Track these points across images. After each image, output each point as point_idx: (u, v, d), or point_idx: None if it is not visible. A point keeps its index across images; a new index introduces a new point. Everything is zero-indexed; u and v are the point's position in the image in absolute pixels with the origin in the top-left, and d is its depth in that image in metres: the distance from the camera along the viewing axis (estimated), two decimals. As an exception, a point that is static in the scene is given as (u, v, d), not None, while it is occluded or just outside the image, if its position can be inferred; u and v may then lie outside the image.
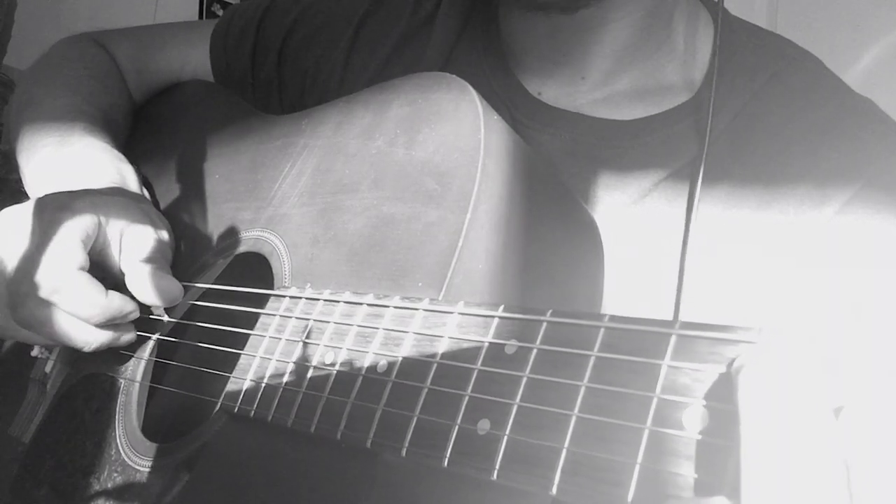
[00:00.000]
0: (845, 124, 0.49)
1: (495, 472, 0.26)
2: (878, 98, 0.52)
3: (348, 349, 0.35)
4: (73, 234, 0.47)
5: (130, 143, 0.70)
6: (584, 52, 0.54)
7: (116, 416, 0.49)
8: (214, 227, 0.54)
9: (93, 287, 0.47)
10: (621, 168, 0.51)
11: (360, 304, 0.36)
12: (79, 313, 0.47)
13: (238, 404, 0.39)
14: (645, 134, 0.52)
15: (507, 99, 0.57)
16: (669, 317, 0.47)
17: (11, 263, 0.47)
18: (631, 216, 0.50)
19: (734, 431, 0.21)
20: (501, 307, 0.30)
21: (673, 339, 0.24)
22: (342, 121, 0.48)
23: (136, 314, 0.50)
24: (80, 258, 0.47)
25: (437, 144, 0.40)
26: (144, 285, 0.49)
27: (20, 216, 0.48)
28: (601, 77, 0.55)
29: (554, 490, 0.24)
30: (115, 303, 0.48)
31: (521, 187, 0.39)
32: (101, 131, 0.63)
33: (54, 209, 0.48)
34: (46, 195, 0.50)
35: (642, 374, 0.24)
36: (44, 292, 0.46)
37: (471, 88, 0.41)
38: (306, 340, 0.38)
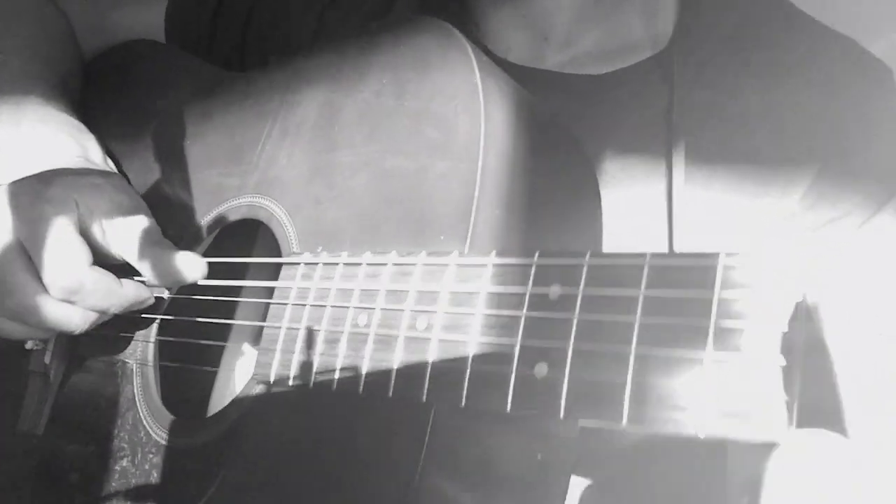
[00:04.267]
0: (820, 66, 0.51)
1: (562, 412, 0.28)
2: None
3: (382, 309, 0.36)
4: (68, 229, 0.46)
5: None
6: (542, 9, 0.55)
7: (137, 399, 0.49)
8: (198, 197, 0.53)
9: (108, 279, 0.46)
10: (592, 122, 0.52)
11: (384, 264, 0.37)
12: (100, 307, 0.46)
13: (273, 374, 0.40)
14: (613, 87, 0.53)
15: None
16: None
17: None
18: (607, 171, 0.52)
19: (804, 352, 0.22)
20: (537, 253, 0.31)
21: (720, 270, 0.26)
22: (320, 74, 0.47)
23: (152, 300, 0.49)
24: (87, 253, 0.46)
25: (431, 92, 0.40)
26: (165, 268, 0.46)
27: None
28: (563, 36, 0.56)
29: (625, 421, 0.26)
30: (130, 290, 0.47)
31: (524, 128, 0.39)
32: (58, 100, 0.59)
33: (31, 202, 0.46)
34: (15, 184, 0.48)
35: (694, 305, 0.26)
36: (60, 294, 0.45)
37: (455, 30, 0.40)
38: (333, 305, 0.38)
